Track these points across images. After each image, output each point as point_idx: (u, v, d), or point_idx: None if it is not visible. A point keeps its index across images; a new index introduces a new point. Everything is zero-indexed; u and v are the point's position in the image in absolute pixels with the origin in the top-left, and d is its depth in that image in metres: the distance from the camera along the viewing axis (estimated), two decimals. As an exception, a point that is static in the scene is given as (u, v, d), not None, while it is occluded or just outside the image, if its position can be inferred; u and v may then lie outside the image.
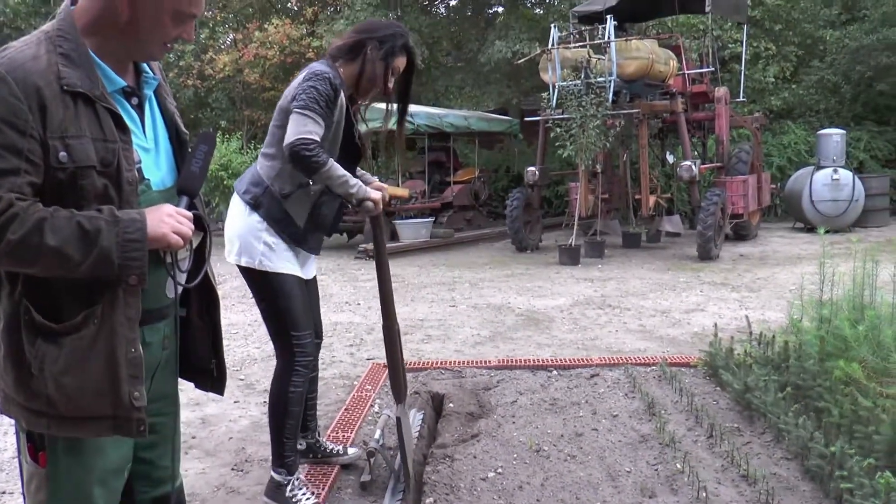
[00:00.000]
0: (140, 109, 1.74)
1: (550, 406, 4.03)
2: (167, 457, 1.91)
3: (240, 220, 3.01)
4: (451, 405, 4.09)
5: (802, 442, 3.15)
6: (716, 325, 4.97)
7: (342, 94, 2.97)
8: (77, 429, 1.64)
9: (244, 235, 2.98)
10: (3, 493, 3.36)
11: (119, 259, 1.55)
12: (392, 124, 3.31)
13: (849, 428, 3.10)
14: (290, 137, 2.80)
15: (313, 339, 3.11)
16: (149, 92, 1.78)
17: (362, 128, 3.23)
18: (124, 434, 1.66)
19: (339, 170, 2.85)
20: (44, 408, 1.61)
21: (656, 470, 3.22)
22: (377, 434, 3.39)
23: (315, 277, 3.27)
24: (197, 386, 2.02)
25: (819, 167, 12.84)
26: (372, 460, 3.24)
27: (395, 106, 3.26)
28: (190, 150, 1.80)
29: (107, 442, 1.69)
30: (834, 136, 12.87)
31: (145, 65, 1.77)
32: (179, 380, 1.96)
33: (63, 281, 1.59)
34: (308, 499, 2.97)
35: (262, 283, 3.01)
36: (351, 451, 3.46)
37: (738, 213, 11.40)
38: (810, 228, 12.79)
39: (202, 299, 1.93)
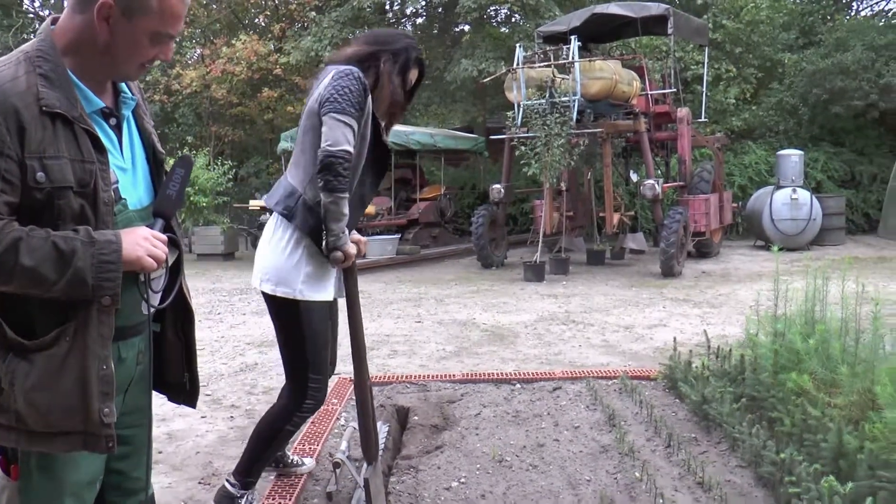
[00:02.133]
0: (118, 129, 1.77)
1: (513, 418, 4.11)
2: (140, 468, 1.93)
3: (279, 252, 2.83)
4: (415, 418, 4.16)
5: (755, 450, 3.27)
6: (675, 339, 5.10)
7: (369, 97, 2.79)
8: (47, 444, 1.65)
9: (284, 267, 2.82)
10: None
11: (93, 280, 1.57)
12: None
13: (799, 436, 3.23)
14: (328, 143, 2.62)
15: (326, 386, 2.97)
16: (127, 112, 1.80)
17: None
18: (93, 450, 1.67)
19: (346, 208, 2.70)
20: (13, 423, 1.62)
21: (615, 478, 3.31)
22: (343, 445, 3.44)
23: (336, 302, 3.09)
24: (170, 398, 2.05)
25: (779, 187, 13.18)
26: (338, 471, 3.29)
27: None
28: (166, 173, 1.82)
29: (79, 455, 1.70)
30: (792, 157, 13.23)
31: (124, 85, 1.79)
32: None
33: (36, 298, 1.60)
34: None
35: (293, 313, 2.84)
36: (307, 461, 3.48)
37: (700, 231, 11.64)
38: (770, 246, 13.11)
39: (177, 315, 1.95)
